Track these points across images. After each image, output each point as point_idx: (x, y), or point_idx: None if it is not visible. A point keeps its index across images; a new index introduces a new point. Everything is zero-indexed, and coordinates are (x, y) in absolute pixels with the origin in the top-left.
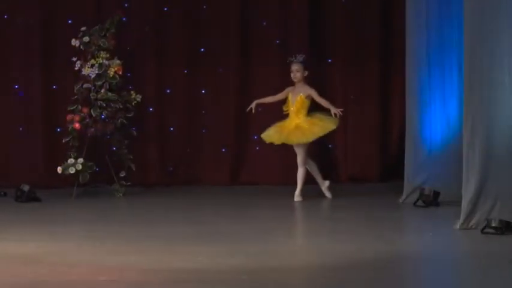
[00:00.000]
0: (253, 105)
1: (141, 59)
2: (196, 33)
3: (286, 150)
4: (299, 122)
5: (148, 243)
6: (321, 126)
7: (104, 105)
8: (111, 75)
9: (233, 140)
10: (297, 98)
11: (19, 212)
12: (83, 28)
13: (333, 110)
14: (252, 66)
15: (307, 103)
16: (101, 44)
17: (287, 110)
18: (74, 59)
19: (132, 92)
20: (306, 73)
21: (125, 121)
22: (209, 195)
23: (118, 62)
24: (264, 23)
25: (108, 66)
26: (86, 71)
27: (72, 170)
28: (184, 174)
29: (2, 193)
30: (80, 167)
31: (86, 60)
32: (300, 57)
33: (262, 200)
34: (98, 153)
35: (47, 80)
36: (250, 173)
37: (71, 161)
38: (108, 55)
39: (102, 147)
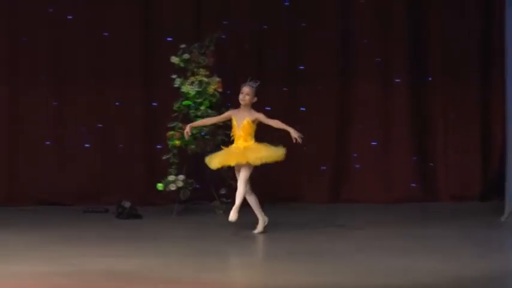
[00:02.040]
0: (187, 129)
1: (240, 76)
2: (295, 51)
3: (387, 169)
4: (247, 145)
5: (247, 259)
6: (269, 152)
7: None
8: (210, 93)
9: (333, 157)
10: (244, 122)
11: (120, 228)
12: (183, 45)
13: (293, 133)
14: (352, 84)
15: (253, 128)
16: (201, 61)
17: (233, 135)
18: (174, 76)
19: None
20: (255, 99)
21: (224, 138)
22: (308, 212)
23: (218, 79)
24: (365, 41)
25: (208, 83)
26: (185, 88)
27: (172, 187)
28: (284, 192)
29: (104, 210)
30: (180, 183)
31: (185, 78)
32: (254, 83)
33: (359, 218)
34: (198, 170)
35: (147, 97)
36: (350, 191)
37: (171, 177)
38: (207, 72)
39: (203, 164)
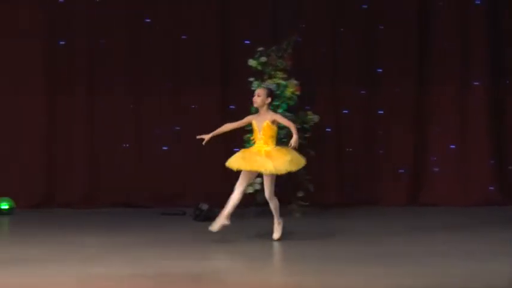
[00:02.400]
0: (207, 137)
1: (317, 79)
2: (373, 54)
3: (465, 172)
4: (268, 149)
5: (323, 262)
6: (291, 159)
7: (282, 125)
8: (288, 96)
9: (411, 160)
10: (263, 124)
11: (197, 231)
12: (260, 48)
13: (293, 138)
14: (429, 87)
15: (275, 129)
16: (278, 64)
17: (254, 139)
18: (251, 79)
19: (309, 112)
20: (269, 100)
21: (302, 141)
22: (385, 216)
23: (295, 82)
24: (443, 43)
25: (286, 86)
26: None
27: (250, 190)
28: (362, 195)
29: (181, 212)
30: (257, 186)
31: (263, 80)
32: (269, 85)
33: (437, 221)
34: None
35: (225, 99)
36: (428, 194)
37: None
38: (285, 75)
39: None
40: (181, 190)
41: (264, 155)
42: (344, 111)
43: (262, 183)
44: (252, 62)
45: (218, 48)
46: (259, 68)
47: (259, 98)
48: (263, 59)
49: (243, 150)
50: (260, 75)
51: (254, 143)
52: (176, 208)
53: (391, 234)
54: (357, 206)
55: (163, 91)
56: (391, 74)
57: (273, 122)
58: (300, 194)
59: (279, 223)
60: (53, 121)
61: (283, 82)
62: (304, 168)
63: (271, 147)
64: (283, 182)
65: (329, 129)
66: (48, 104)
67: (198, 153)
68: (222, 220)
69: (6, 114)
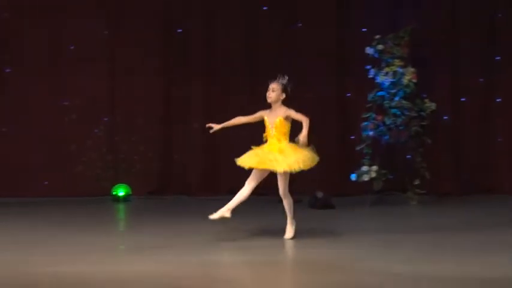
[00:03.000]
0: (216, 127)
1: (434, 67)
2: (491, 41)
3: None
4: (281, 146)
5: (439, 251)
6: (305, 156)
7: (398, 113)
8: (405, 83)
9: None
10: (276, 120)
11: (313, 219)
12: (377, 36)
13: (303, 134)
14: None
15: (288, 126)
16: (395, 52)
17: (266, 135)
18: (368, 66)
19: (426, 100)
20: (284, 96)
21: (419, 129)
22: (505, 204)
23: (412, 69)
24: None
25: (403, 74)
26: (380, 78)
27: (366, 178)
28: (479, 183)
29: (297, 200)
30: (374, 174)
31: (380, 68)
32: (283, 79)
33: None
34: (392, 161)
35: (341, 87)
36: None
37: (365, 168)
38: (402, 63)
39: (396, 155)
40: (297, 178)
41: (277, 152)
42: (461, 99)
43: (377, 171)
44: (369, 50)
45: (335, 36)
46: (377, 55)
47: (274, 93)
48: (380, 46)
49: (255, 148)
50: (377, 63)
51: (266, 140)
52: (292, 196)
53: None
54: (474, 194)
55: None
56: (509, 62)
57: (287, 118)
58: (416, 182)
59: (291, 224)
60: (167, 105)
61: (400, 70)
62: (420, 155)
63: (284, 144)
64: (400, 170)
65: (446, 117)
66: (163, 91)
67: (315, 142)
68: (223, 212)
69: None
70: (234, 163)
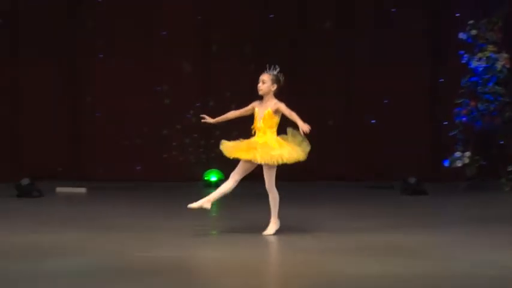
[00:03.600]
0: (211, 121)
1: None
2: None
3: None
4: (266, 139)
5: None
6: (287, 152)
7: (492, 98)
8: (498, 69)
9: None
10: (265, 112)
11: (405, 205)
12: (471, 21)
13: (301, 125)
14: None
15: (276, 120)
16: (488, 37)
17: (254, 127)
18: (462, 52)
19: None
20: (275, 87)
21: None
22: None
23: (506, 55)
24: None
25: (496, 59)
26: (473, 64)
27: (459, 164)
28: None
29: (389, 186)
30: (466, 160)
31: (473, 54)
32: (273, 70)
33: None
34: (485, 147)
35: (434, 72)
36: None
37: (457, 154)
38: (495, 48)
39: (489, 141)
40: (389, 164)
41: (261, 144)
42: None
43: (470, 157)
44: (462, 35)
45: (427, 21)
46: (470, 41)
47: (265, 84)
48: (473, 32)
49: (241, 140)
50: (470, 49)
51: (254, 132)
52: (384, 182)
53: None
54: None
55: (376, 65)
56: None
57: (276, 111)
58: (510, 169)
59: (275, 221)
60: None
61: (493, 55)
62: None
63: (269, 136)
64: (493, 157)
65: None
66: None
67: (407, 127)
68: (204, 202)
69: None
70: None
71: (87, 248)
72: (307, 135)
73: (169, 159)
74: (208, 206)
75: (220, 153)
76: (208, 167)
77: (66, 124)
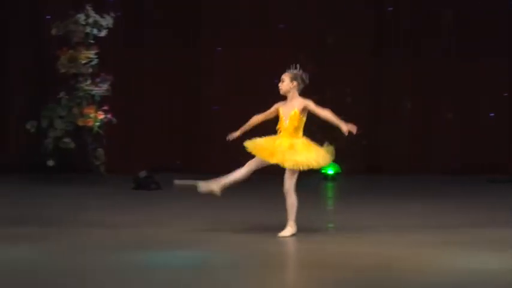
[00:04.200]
0: (237, 134)
1: None
2: None
3: None
4: (293, 142)
5: None
6: (316, 155)
7: None
8: None
9: None
10: (291, 113)
11: None
12: None
13: (345, 127)
14: None
15: (303, 120)
16: None
17: (279, 128)
18: None
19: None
20: (294, 84)
21: None
22: None
23: None
24: None
25: None
26: None
27: None
28: None
29: (508, 180)
30: None
31: None
32: (294, 70)
33: None
34: None
35: None
36: None
37: None
38: None
39: None
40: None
41: (288, 147)
42: None
43: None
44: None
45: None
46: None
47: (283, 83)
48: None
49: (266, 138)
50: None
51: (279, 132)
52: (505, 176)
53: None
54: None
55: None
56: None
57: (303, 110)
58: None
59: (291, 225)
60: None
61: None
62: None
63: (296, 139)
64: None
65: None
66: (375, 71)
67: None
68: (214, 187)
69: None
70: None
71: (202, 240)
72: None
73: None
74: (218, 193)
75: (338, 146)
76: None
77: (183, 118)
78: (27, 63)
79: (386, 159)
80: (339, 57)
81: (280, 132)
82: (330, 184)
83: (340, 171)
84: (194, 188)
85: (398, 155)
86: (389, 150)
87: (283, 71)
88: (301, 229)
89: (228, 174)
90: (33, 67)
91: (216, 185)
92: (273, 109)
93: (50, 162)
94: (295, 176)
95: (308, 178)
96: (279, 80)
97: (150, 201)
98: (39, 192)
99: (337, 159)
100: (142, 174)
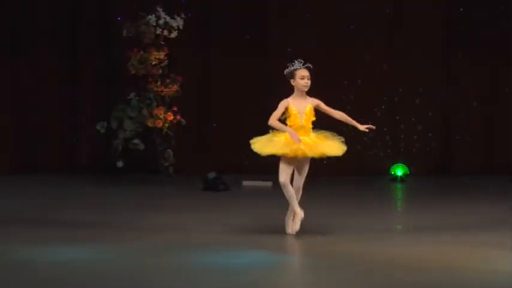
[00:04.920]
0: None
1: None
2: None
3: None
4: (314, 135)
5: None
6: (330, 145)
7: None
8: None
9: None
10: (306, 110)
11: None
12: None
13: (361, 126)
14: None
15: (313, 116)
16: None
17: (293, 125)
18: None
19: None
20: None
21: None
22: None
23: None
24: None
25: None
26: None
27: None
28: None
29: None
30: None
31: None
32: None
33: None
34: None
35: None
36: None
37: None
38: None
39: None
40: None
41: (318, 139)
42: None
43: None
44: None
45: None
46: None
47: (309, 81)
48: None
49: (277, 136)
50: None
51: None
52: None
53: None
54: None
55: None
56: None
57: (315, 108)
58: None
59: (298, 213)
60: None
61: None
62: None
63: (311, 134)
64: None
65: None
66: (443, 71)
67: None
68: (297, 222)
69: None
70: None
71: (267, 243)
72: None
73: (356, 153)
74: (301, 214)
75: (407, 147)
76: (394, 161)
77: (251, 117)
78: (98, 64)
79: (455, 159)
80: (407, 56)
81: (296, 130)
82: (398, 185)
83: (408, 172)
84: (263, 188)
85: (467, 155)
86: (458, 150)
87: (352, 72)
88: (369, 230)
89: (290, 202)
90: (104, 68)
91: (293, 212)
92: (282, 108)
93: (120, 164)
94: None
95: (376, 179)
96: (347, 80)
97: (217, 201)
98: (109, 192)
99: (405, 161)
100: (211, 175)
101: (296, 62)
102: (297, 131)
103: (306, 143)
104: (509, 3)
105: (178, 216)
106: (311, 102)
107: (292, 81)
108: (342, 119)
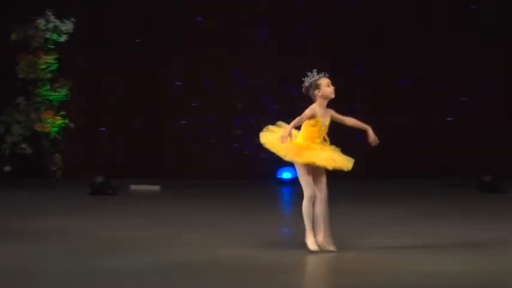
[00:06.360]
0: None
1: None
2: None
3: None
4: (329, 147)
5: None
6: (341, 160)
7: None
8: None
9: None
10: (327, 122)
11: (480, 203)
12: None
13: (372, 132)
14: None
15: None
16: None
17: (315, 136)
18: None
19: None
20: None
21: None
22: None
23: None
24: None
25: None
26: None
27: None
28: None
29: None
30: None
31: None
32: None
33: None
34: None
35: None
36: None
37: None
38: None
39: None
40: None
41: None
42: None
43: None
44: None
45: None
46: None
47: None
48: None
49: (304, 143)
50: None
51: (313, 140)
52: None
53: None
54: None
55: None
56: None
57: (332, 119)
58: None
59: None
60: None
61: None
62: None
63: (327, 146)
64: None
65: None
66: None
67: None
68: (328, 244)
69: None
70: None
71: (160, 245)
72: None
73: None
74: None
75: None
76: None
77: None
78: None
79: None
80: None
81: (313, 140)
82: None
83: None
84: (151, 192)
85: None
86: None
87: None
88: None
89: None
90: None
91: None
92: (309, 114)
93: (7, 168)
94: None
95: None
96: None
97: (105, 206)
98: None
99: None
100: (99, 179)
101: (313, 73)
102: (316, 140)
103: (332, 156)
104: None
105: (62, 221)
106: (330, 114)
107: (317, 91)
108: (355, 126)
